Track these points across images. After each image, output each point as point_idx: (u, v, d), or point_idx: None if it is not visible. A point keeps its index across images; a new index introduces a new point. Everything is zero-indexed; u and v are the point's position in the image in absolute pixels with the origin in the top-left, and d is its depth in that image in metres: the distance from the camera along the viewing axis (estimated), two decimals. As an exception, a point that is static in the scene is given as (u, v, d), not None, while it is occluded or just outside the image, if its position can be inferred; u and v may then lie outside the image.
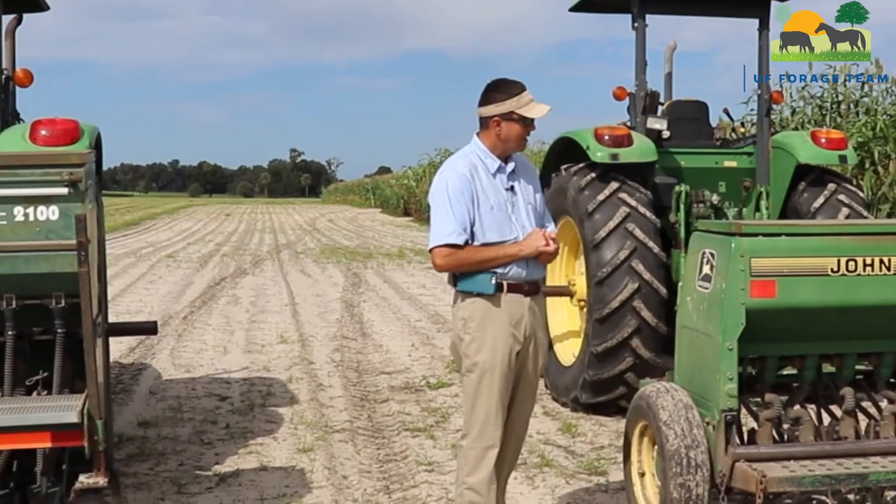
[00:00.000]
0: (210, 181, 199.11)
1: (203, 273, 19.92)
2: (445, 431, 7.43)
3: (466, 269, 4.62)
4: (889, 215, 14.82)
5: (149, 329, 6.33)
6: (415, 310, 14.33)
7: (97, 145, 6.18)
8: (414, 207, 49.16)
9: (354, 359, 10.47)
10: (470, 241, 4.58)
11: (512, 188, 4.73)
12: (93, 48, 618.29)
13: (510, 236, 4.64)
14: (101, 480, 4.09)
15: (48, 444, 4.12)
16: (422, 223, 42.80)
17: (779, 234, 4.77)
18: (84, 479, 4.17)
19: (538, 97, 4.72)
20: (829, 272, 4.67)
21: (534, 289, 4.76)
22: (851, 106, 18.75)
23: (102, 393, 4.39)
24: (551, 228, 4.90)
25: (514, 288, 4.65)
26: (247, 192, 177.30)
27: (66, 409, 4.09)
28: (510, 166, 4.74)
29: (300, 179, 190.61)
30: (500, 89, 4.68)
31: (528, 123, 4.67)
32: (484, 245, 4.59)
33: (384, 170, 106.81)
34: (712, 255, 4.80)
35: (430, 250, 4.66)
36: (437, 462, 6.60)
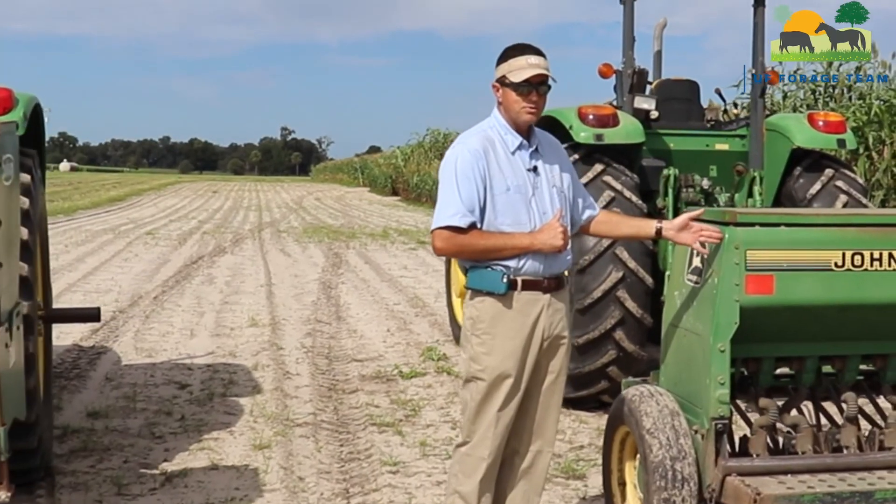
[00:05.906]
0: (201, 158, 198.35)
1: (181, 251, 19.39)
2: (414, 427, 6.95)
3: (469, 257, 4.12)
4: (883, 202, 14.40)
5: (91, 316, 5.86)
6: (394, 292, 13.84)
7: (35, 116, 5.68)
8: (402, 187, 48.75)
9: (326, 344, 9.99)
10: (479, 226, 4.06)
11: (535, 168, 4.18)
12: (85, 22, 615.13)
13: (527, 223, 4.10)
14: (3, 495, 3.58)
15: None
16: (409, 202, 42.31)
17: (778, 224, 4.29)
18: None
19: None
20: (833, 267, 4.21)
21: (554, 284, 4.18)
22: (845, 90, 18.34)
23: (17, 393, 3.91)
24: (591, 212, 4.43)
25: (529, 285, 4.10)
26: (237, 170, 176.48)
27: None
28: (533, 144, 4.22)
29: (291, 157, 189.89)
30: (502, 55, 4.19)
31: (523, 91, 4.10)
32: (494, 231, 4.07)
33: (374, 149, 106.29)
34: (703, 245, 4.33)
35: (432, 231, 4.14)
36: (402, 462, 6.12)
